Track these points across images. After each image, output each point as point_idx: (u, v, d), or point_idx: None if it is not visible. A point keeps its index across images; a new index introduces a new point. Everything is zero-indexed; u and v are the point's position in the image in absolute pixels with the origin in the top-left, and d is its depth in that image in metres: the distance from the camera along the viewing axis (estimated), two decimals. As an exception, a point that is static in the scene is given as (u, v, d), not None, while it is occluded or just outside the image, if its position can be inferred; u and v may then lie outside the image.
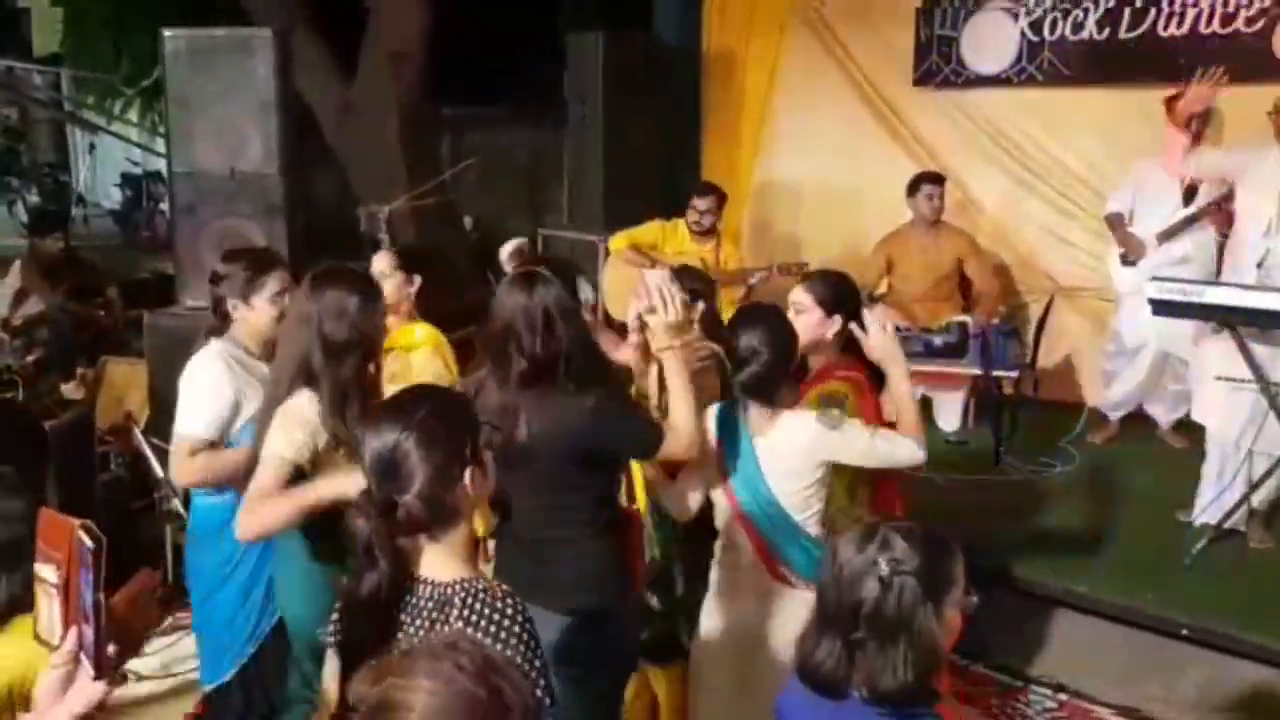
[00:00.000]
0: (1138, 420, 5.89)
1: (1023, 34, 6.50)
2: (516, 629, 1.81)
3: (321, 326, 2.67)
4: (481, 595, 1.83)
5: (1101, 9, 6.22)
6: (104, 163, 15.13)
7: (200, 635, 3.37)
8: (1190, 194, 5.35)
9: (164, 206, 13.29)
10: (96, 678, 1.52)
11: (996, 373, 5.54)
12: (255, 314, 3.17)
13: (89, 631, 1.50)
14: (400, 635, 1.83)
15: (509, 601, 1.84)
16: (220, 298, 3.21)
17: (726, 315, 3.38)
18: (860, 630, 1.77)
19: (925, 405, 6.07)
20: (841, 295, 3.19)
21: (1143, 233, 5.48)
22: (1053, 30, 6.40)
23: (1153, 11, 6.06)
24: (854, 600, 1.78)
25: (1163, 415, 5.77)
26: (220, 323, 3.23)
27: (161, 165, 12.60)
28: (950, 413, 6.02)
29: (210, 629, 3.28)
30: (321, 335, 2.66)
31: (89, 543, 1.48)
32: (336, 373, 2.66)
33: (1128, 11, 6.13)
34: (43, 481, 3.77)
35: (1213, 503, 4.64)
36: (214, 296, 3.24)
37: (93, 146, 14.80)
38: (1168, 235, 5.39)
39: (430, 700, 1.28)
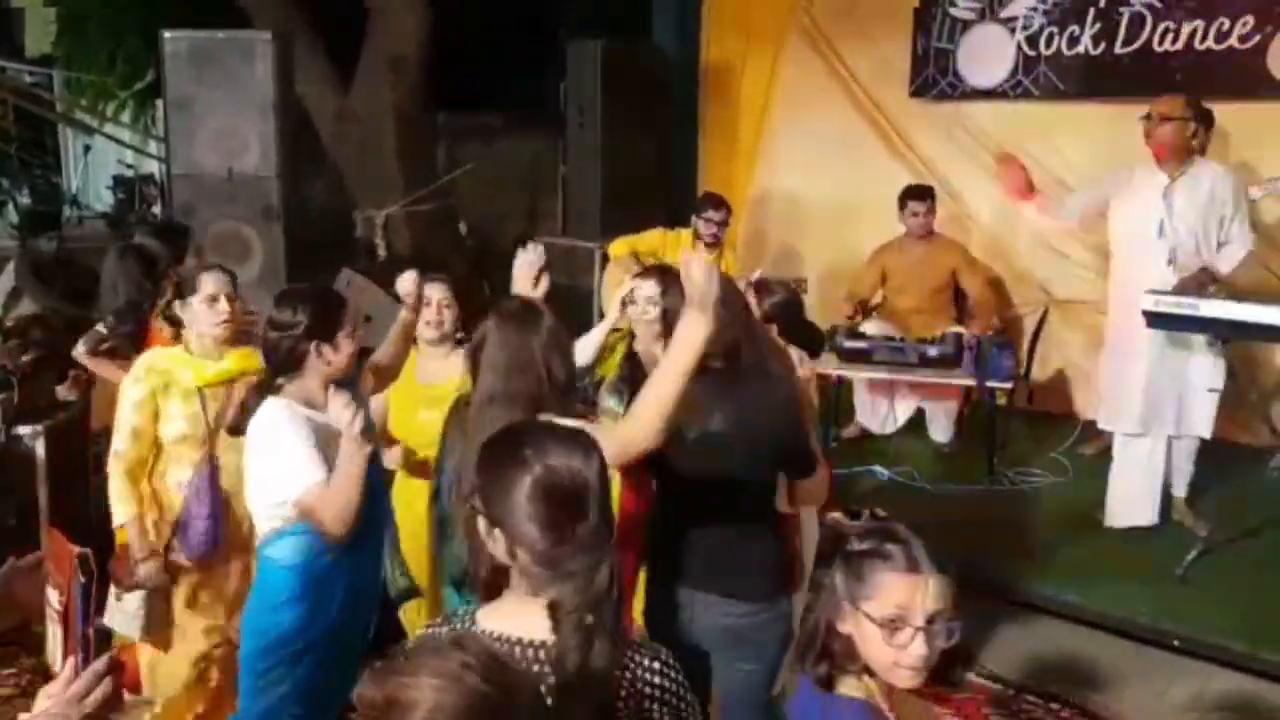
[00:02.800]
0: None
1: (1018, 48, 6.53)
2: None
3: (548, 361, 2.58)
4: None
5: (1097, 24, 6.26)
6: (96, 165, 15.06)
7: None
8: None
9: (156, 209, 13.25)
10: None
11: (990, 384, 5.57)
12: (340, 354, 2.90)
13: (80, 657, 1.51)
14: None
15: (408, 644, 1.75)
16: (292, 342, 2.87)
17: None
18: None
19: (919, 416, 6.11)
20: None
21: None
22: (1048, 44, 6.44)
23: (1148, 27, 6.10)
24: None
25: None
26: (290, 369, 2.91)
27: (154, 168, 12.58)
28: (944, 423, 6.04)
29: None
30: (548, 369, 2.57)
31: (81, 577, 1.48)
32: (565, 403, 2.57)
33: (1123, 27, 6.18)
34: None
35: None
36: (279, 343, 2.88)
37: (87, 148, 14.74)
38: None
39: (438, 697, 1.28)
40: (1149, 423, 4.82)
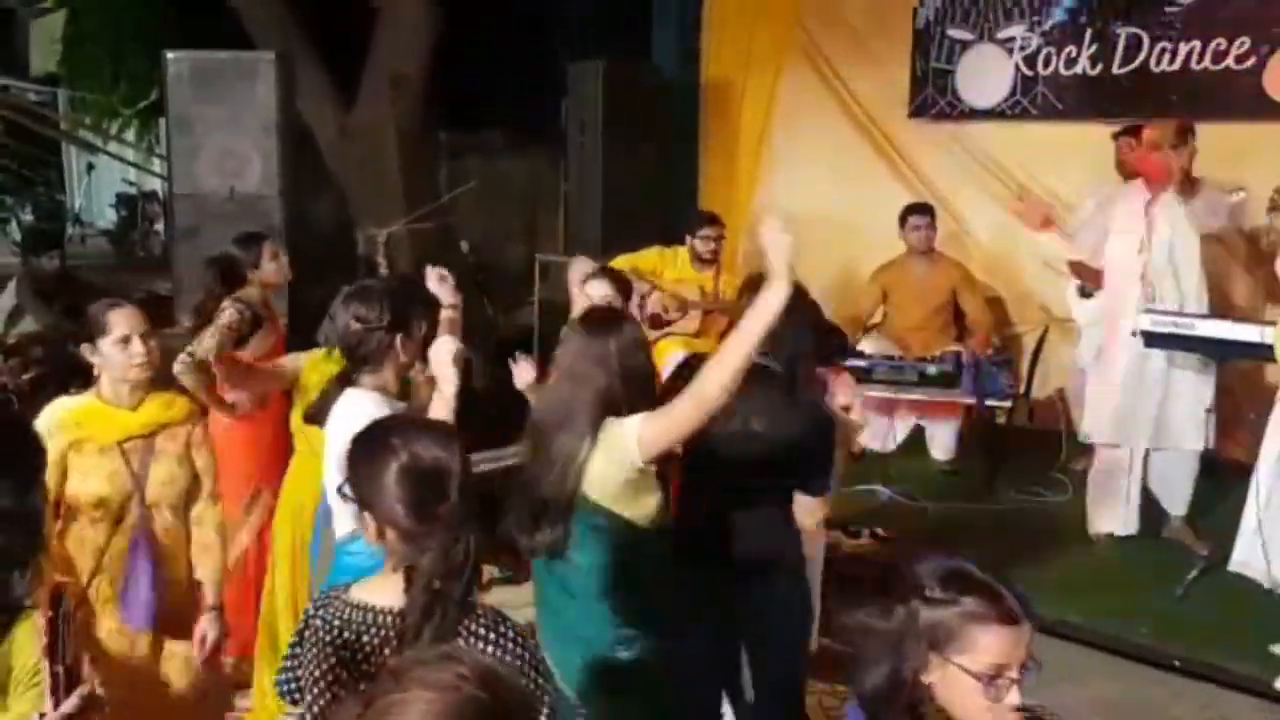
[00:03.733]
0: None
1: (1017, 68, 6.59)
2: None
3: (622, 362, 2.67)
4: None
5: (1094, 45, 6.31)
6: (100, 183, 15.13)
7: None
8: None
9: (159, 227, 13.31)
10: None
11: (990, 402, 5.58)
12: (414, 345, 2.98)
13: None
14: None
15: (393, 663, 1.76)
16: (376, 337, 2.92)
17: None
18: None
19: (919, 434, 6.12)
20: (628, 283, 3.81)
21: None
22: (1046, 65, 6.49)
23: (1145, 48, 6.15)
24: None
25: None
26: (371, 361, 2.95)
27: (157, 185, 12.64)
28: (944, 442, 6.05)
29: None
30: (622, 370, 2.66)
31: (49, 611, 1.48)
32: (637, 402, 2.66)
33: (1120, 47, 6.22)
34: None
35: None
36: (364, 338, 2.93)
37: (91, 166, 14.81)
38: None
39: (427, 709, 1.27)
40: (1124, 434, 4.86)
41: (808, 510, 2.98)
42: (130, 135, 12.17)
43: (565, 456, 2.57)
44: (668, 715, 2.74)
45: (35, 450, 2.21)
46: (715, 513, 2.94)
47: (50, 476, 2.75)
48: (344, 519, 2.85)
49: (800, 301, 2.76)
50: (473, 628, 1.86)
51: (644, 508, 2.63)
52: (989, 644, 1.74)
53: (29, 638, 1.83)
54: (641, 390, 2.67)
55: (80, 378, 3.07)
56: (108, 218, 14.58)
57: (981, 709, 1.75)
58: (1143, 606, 4.46)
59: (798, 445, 2.88)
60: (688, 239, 6.06)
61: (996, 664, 1.74)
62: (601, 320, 2.82)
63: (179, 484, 3.04)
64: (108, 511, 2.91)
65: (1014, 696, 1.74)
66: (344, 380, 2.97)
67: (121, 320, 2.93)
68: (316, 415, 2.97)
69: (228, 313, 3.82)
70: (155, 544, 2.97)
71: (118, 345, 2.90)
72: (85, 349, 2.93)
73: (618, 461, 2.55)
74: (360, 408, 2.81)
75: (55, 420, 2.90)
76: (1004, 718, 1.76)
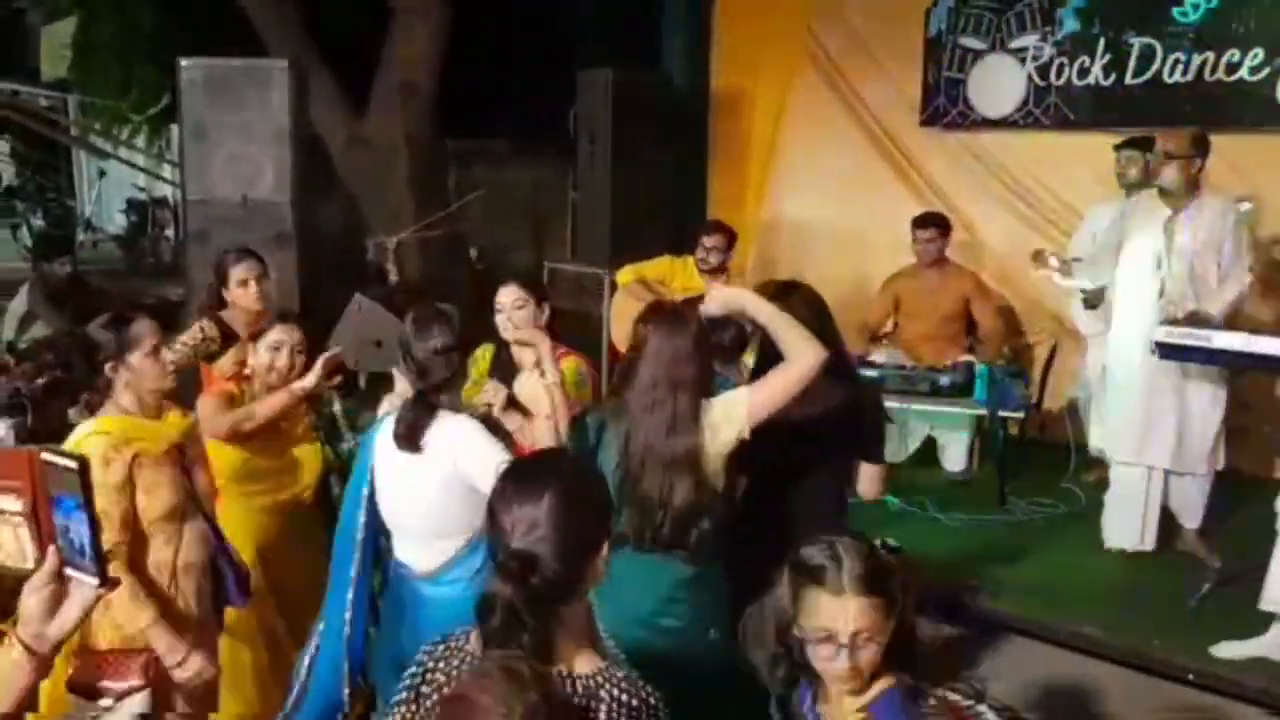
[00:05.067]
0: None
1: (1029, 78, 6.58)
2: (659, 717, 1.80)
3: (699, 348, 2.87)
4: (624, 685, 1.79)
5: (1107, 55, 6.30)
6: (110, 189, 15.17)
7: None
8: None
9: (169, 233, 13.34)
10: (101, 585, 1.55)
11: (1002, 413, 5.56)
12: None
13: (80, 545, 1.53)
14: None
15: (650, 690, 1.80)
16: (455, 361, 2.98)
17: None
18: None
19: (930, 445, 6.10)
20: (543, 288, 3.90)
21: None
22: (1059, 75, 6.48)
23: (1159, 59, 6.14)
24: None
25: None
26: (447, 385, 2.97)
27: (167, 191, 12.66)
28: (955, 453, 6.03)
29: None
30: (703, 357, 2.88)
31: (69, 463, 1.51)
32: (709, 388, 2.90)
33: (1134, 58, 6.21)
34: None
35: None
36: (445, 362, 2.94)
37: (103, 172, 14.84)
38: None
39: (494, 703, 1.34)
40: (1142, 452, 4.85)
41: (872, 478, 3.24)
42: (140, 141, 12.19)
43: (686, 450, 2.74)
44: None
45: None
46: (778, 490, 3.07)
47: (119, 501, 2.77)
48: (434, 551, 2.92)
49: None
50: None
51: (730, 477, 2.82)
52: (816, 610, 1.95)
53: None
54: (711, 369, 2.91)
55: (90, 389, 2.98)
56: (118, 223, 14.60)
57: (822, 667, 1.97)
58: (1156, 619, 4.44)
59: (856, 416, 3.13)
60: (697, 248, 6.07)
61: (824, 628, 1.94)
62: (669, 316, 2.95)
63: (212, 489, 3.12)
64: (176, 524, 2.91)
65: (841, 660, 1.93)
66: (427, 405, 2.93)
67: (150, 332, 2.93)
68: (407, 439, 2.91)
69: (191, 329, 3.83)
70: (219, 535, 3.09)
71: (149, 358, 2.90)
72: (110, 367, 2.87)
73: (723, 437, 2.76)
74: (472, 432, 2.91)
75: (112, 440, 2.82)
76: (834, 678, 1.97)
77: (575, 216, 8.56)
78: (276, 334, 3.58)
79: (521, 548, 1.76)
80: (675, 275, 6.20)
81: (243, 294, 4.06)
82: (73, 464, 1.51)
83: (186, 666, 2.85)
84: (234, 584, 3.11)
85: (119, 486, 2.79)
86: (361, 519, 3.05)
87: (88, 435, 2.83)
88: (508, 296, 3.70)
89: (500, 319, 3.71)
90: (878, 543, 2.03)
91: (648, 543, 2.76)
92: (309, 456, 3.66)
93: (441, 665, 1.85)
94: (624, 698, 1.75)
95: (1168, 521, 5.02)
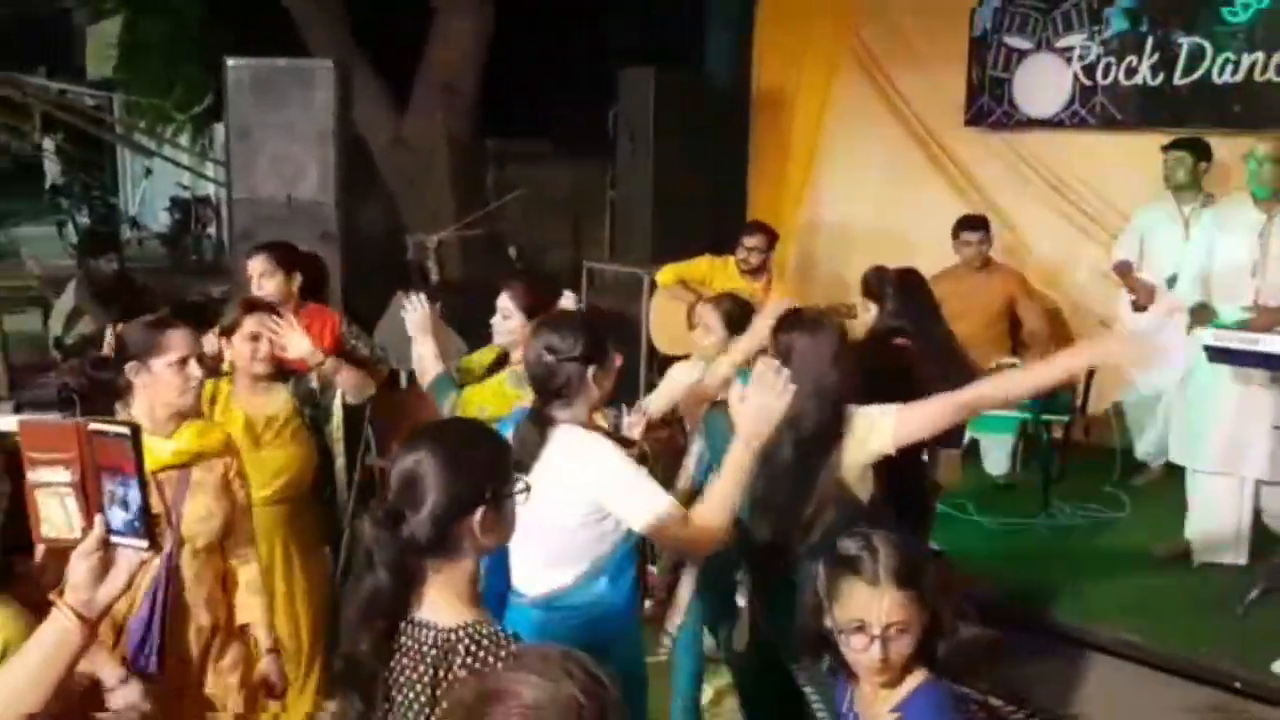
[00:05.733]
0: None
1: (1075, 78, 6.50)
2: None
3: (840, 352, 2.95)
4: (486, 642, 1.80)
5: (1155, 55, 6.21)
6: (155, 187, 15.36)
7: None
8: None
9: (211, 230, 13.49)
10: (150, 548, 1.60)
11: (1046, 416, 5.50)
12: (610, 378, 2.77)
13: (131, 511, 1.57)
14: (396, 673, 1.81)
15: (514, 647, 1.81)
16: (571, 369, 2.68)
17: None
18: None
19: (973, 447, 6.05)
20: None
21: (1151, 277, 5.59)
22: (1105, 75, 6.40)
23: (1208, 58, 6.05)
24: None
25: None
26: (568, 395, 2.70)
27: (210, 190, 12.79)
28: (998, 456, 5.97)
29: None
30: (844, 360, 2.95)
31: (120, 429, 1.54)
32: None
33: (1182, 58, 6.13)
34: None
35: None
36: (559, 369, 2.67)
37: (149, 171, 15.02)
38: (1177, 280, 5.40)
39: (537, 694, 1.34)
40: (1232, 462, 4.73)
41: (953, 464, 3.53)
42: (184, 140, 12.33)
43: (828, 456, 2.83)
44: None
45: None
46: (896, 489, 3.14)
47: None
48: (550, 575, 2.69)
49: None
50: None
51: (869, 486, 2.90)
52: (850, 600, 2.01)
53: None
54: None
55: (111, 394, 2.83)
56: (162, 221, 14.78)
57: (854, 659, 2.03)
58: (1202, 626, 4.38)
59: None
60: (737, 248, 6.06)
61: (856, 618, 2.00)
62: (810, 323, 3.03)
63: (216, 520, 2.83)
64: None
65: (874, 651, 1.98)
66: (541, 419, 2.70)
67: (180, 342, 2.74)
68: (521, 461, 2.58)
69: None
70: (178, 585, 2.73)
71: (173, 368, 2.71)
72: (131, 368, 2.71)
73: (863, 446, 2.84)
74: (597, 449, 2.66)
75: None
76: (866, 670, 2.02)
77: (613, 216, 8.56)
78: (251, 325, 3.48)
79: (394, 505, 1.84)
80: (715, 276, 6.19)
81: (259, 289, 4.11)
82: (125, 430, 1.54)
83: (121, 694, 2.51)
84: (145, 648, 2.68)
85: None
86: None
87: None
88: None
89: (497, 320, 3.71)
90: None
91: (777, 541, 2.84)
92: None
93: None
94: (481, 654, 1.78)
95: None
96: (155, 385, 2.71)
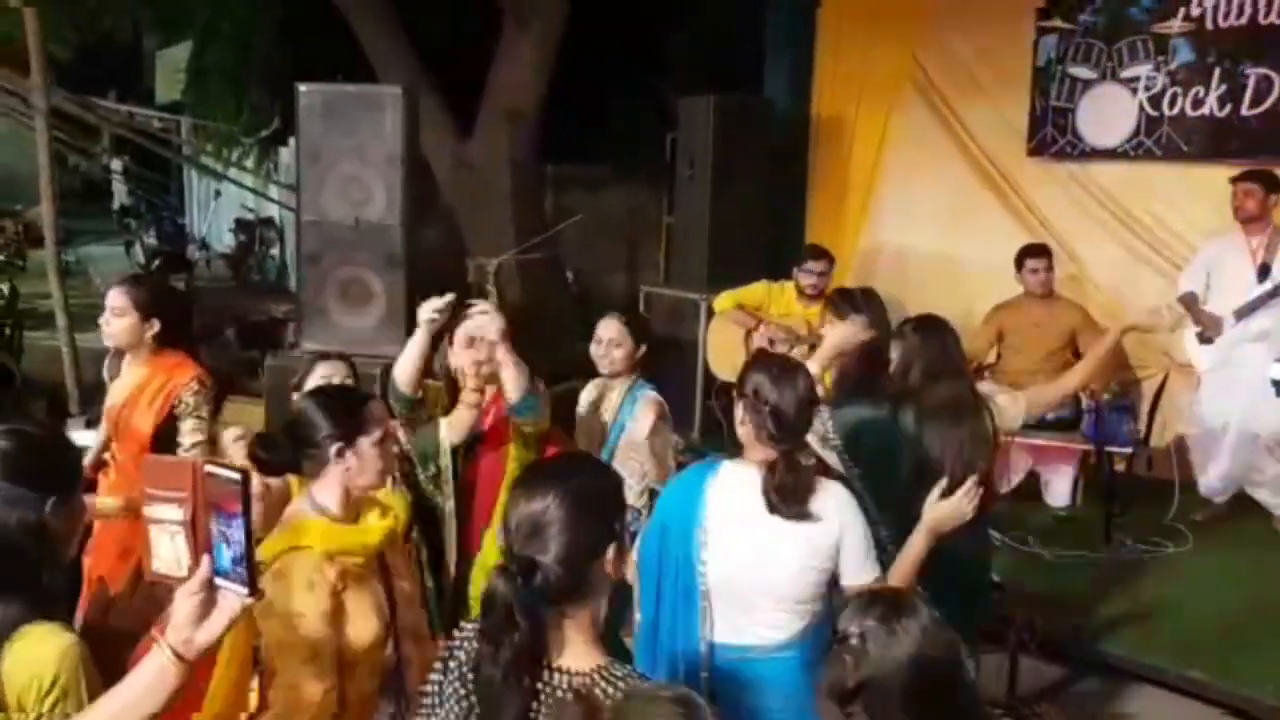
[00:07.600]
0: (1249, 500, 5.71)
1: (1141, 108, 6.46)
2: None
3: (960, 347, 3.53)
4: (621, 684, 1.79)
5: (1223, 86, 6.16)
6: (221, 208, 15.69)
7: None
8: (1264, 270, 5.42)
9: (274, 252, 13.73)
10: (250, 594, 1.61)
11: (1109, 448, 5.44)
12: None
13: (236, 555, 1.59)
14: None
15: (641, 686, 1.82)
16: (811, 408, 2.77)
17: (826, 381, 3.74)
18: None
19: (1033, 479, 5.99)
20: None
21: (1218, 309, 5.51)
22: (1172, 105, 6.35)
23: (1276, 89, 5.98)
24: None
25: (1270, 500, 5.61)
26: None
27: (274, 211, 13.03)
28: (1060, 487, 5.91)
29: None
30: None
31: (231, 474, 1.58)
32: None
33: (1250, 89, 6.07)
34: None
35: None
36: (797, 406, 2.65)
37: (218, 193, 15.32)
38: (1245, 312, 5.41)
39: None
40: None
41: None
42: (249, 163, 12.58)
43: (983, 424, 3.32)
44: None
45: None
46: None
47: (326, 629, 2.25)
48: (779, 623, 2.67)
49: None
50: None
51: None
52: None
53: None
54: None
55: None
56: (226, 242, 15.07)
57: None
58: (1266, 663, 4.29)
59: None
60: (794, 273, 6.07)
61: None
62: (927, 318, 3.51)
63: (416, 601, 2.67)
64: (377, 656, 2.42)
65: None
66: (798, 464, 2.68)
67: (382, 414, 2.49)
68: (791, 503, 2.63)
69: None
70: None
71: (378, 446, 2.42)
72: (334, 449, 2.36)
73: (1009, 415, 3.60)
74: (841, 499, 2.73)
75: (320, 553, 2.28)
76: None
77: (669, 241, 8.61)
78: (324, 369, 3.44)
79: (523, 553, 1.79)
80: (772, 301, 6.21)
81: (106, 325, 3.62)
82: (235, 475, 1.58)
83: None
84: None
85: (326, 614, 2.24)
86: (700, 585, 2.66)
87: (288, 551, 2.29)
88: (606, 331, 3.76)
89: (596, 350, 3.77)
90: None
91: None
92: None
93: (466, 645, 1.88)
94: (618, 695, 1.76)
95: None
96: (361, 468, 2.39)
